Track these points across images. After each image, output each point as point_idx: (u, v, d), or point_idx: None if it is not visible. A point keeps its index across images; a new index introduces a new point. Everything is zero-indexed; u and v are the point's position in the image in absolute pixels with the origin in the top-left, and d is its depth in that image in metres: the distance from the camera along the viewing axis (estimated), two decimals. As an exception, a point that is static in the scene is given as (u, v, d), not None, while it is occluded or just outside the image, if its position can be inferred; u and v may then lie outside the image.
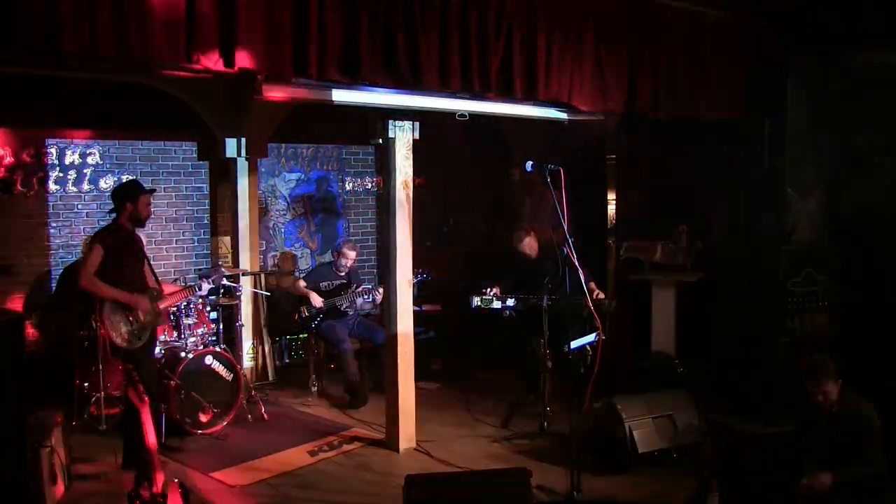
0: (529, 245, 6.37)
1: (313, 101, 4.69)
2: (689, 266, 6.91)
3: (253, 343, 7.22)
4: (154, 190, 5.41)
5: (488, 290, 6.09)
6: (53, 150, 6.73)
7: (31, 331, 6.40)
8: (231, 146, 7.00)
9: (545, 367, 5.88)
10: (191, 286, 5.80)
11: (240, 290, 6.72)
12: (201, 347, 5.84)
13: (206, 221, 7.63)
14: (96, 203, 6.90)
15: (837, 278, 6.19)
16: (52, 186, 6.72)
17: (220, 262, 7.42)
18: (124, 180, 6.49)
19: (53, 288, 6.67)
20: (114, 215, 5.04)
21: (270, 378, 7.26)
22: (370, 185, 8.75)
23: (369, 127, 5.43)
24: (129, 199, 4.98)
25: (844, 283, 6.17)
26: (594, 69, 5.20)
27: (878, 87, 5.98)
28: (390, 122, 5.25)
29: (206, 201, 7.62)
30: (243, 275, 6.81)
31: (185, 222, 7.51)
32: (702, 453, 5.12)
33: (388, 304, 5.58)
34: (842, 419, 4.07)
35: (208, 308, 6.23)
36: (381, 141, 5.40)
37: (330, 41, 4.03)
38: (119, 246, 4.94)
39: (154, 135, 7.21)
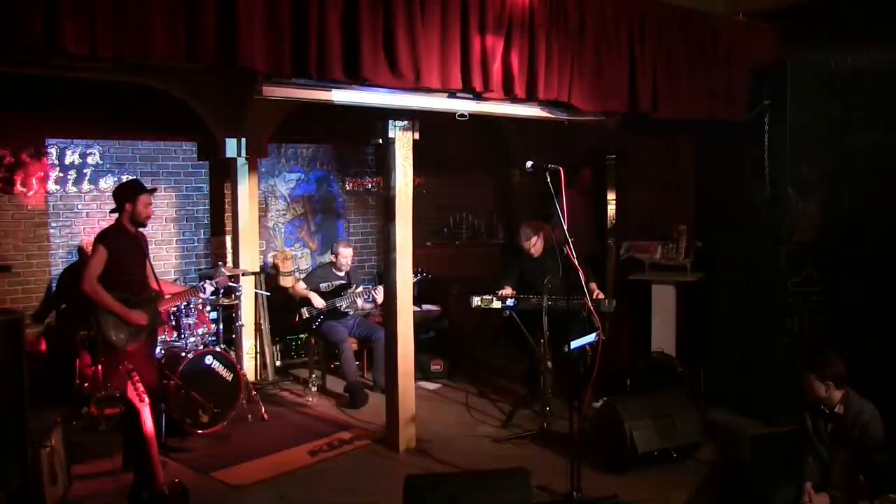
0: (535, 245, 6.33)
1: (313, 101, 4.68)
2: (689, 266, 6.91)
3: (253, 343, 7.22)
4: (155, 189, 5.32)
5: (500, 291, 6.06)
6: (53, 150, 6.73)
7: (30, 330, 6.39)
8: (231, 146, 6.99)
9: (545, 367, 5.88)
10: (195, 287, 5.79)
11: (240, 290, 6.72)
12: (201, 347, 5.84)
13: (206, 221, 7.63)
14: (96, 203, 6.90)
15: (838, 278, 6.19)
16: (52, 186, 6.72)
17: (220, 263, 7.41)
18: (124, 180, 6.41)
19: (53, 288, 6.67)
20: (116, 215, 4.98)
21: (270, 378, 7.25)
22: (370, 185, 8.75)
23: (369, 127, 5.43)
24: (128, 199, 4.92)
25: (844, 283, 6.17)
26: (594, 69, 5.19)
27: (880, 84, 5.98)
28: (390, 122, 5.25)
29: (206, 201, 7.62)
30: (243, 275, 6.81)
31: (185, 222, 7.51)
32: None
33: (388, 304, 5.58)
34: (844, 422, 3.99)
35: (208, 308, 6.23)
36: (381, 141, 5.40)
37: (330, 41, 4.02)
38: (122, 248, 4.90)
39: (154, 135, 7.21)
